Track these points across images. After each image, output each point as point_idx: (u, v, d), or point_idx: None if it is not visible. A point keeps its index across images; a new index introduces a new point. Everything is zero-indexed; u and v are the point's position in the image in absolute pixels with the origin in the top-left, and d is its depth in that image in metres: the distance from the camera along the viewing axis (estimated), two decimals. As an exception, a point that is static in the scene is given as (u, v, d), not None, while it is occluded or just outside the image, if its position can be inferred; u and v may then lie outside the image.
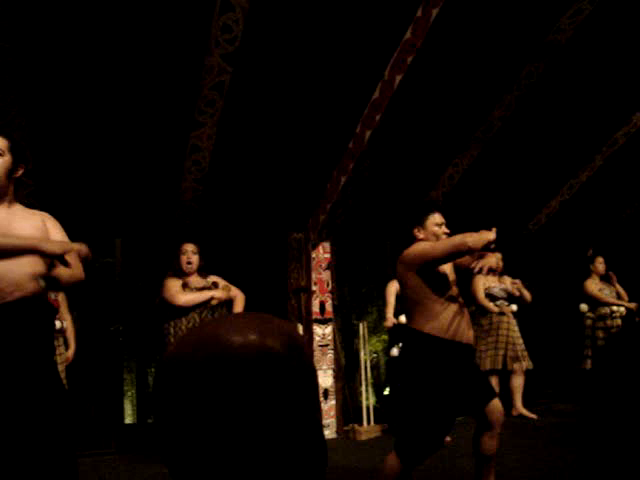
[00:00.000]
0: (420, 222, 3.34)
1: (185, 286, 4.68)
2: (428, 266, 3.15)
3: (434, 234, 3.30)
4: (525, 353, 6.31)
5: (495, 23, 4.97)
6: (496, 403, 3.21)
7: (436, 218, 3.34)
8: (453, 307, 3.18)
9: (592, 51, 5.51)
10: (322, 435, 0.89)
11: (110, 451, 5.55)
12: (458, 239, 3.06)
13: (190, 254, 4.73)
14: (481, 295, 6.20)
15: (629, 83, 6.03)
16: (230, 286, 4.87)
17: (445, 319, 3.14)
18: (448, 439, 5.10)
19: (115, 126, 4.97)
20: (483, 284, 6.24)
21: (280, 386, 0.81)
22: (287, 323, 0.91)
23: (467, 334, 3.21)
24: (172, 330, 4.62)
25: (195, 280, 4.74)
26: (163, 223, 5.85)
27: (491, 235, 3.07)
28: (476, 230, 3.23)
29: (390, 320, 5.78)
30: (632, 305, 6.57)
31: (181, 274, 4.73)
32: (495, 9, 4.83)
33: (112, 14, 4.12)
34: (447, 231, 3.33)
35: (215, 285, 4.79)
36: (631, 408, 0.76)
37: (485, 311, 6.28)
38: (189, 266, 4.72)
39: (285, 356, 0.83)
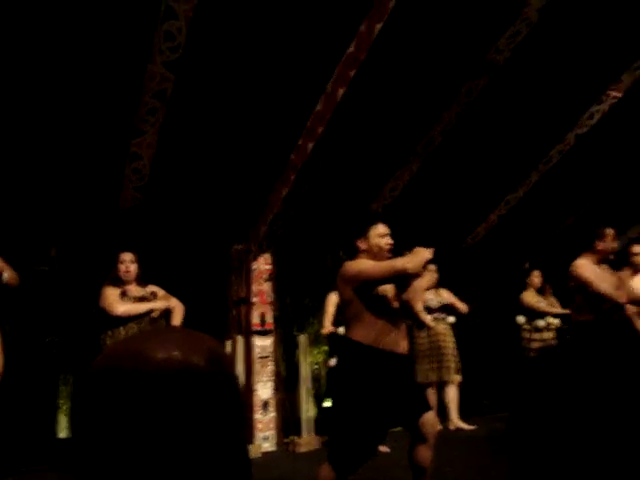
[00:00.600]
0: (363, 233, 3.31)
1: (123, 295, 4.58)
2: (366, 285, 3.16)
3: (377, 245, 3.28)
4: (459, 366, 6.40)
5: (437, 40, 5.06)
6: (430, 416, 3.20)
7: (379, 229, 3.31)
8: (389, 319, 3.20)
9: (529, 71, 5.66)
10: (246, 453, 0.89)
11: (43, 467, 5.37)
12: (399, 264, 3.07)
13: (128, 263, 4.64)
14: (419, 308, 6.24)
15: (563, 103, 6.22)
16: (169, 296, 4.80)
17: (379, 329, 3.14)
18: (386, 449, 5.13)
19: (53, 131, 4.85)
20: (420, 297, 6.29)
21: (202, 403, 0.81)
22: (212, 340, 0.90)
23: (401, 345, 3.23)
24: (109, 340, 4.50)
25: (134, 289, 4.65)
26: (101, 232, 5.73)
27: (428, 254, 3.11)
28: (415, 244, 3.27)
29: (327, 328, 5.77)
30: (567, 311, 6.65)
31: (119, 283, 4.63)
32: (437, 26, 4.93)
33: (53, 16, 4.03)
34: (391, 242, 3.31)
35: (154, 295, 4.71)
36: (558, 419, 0.77)
37: (422, 324, 6.34)
38: (127, 275, 4.63)
39: (208, 373, 0.82)
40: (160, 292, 4.77)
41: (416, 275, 3.14)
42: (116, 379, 0.80)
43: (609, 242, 4.61)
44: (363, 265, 3.21)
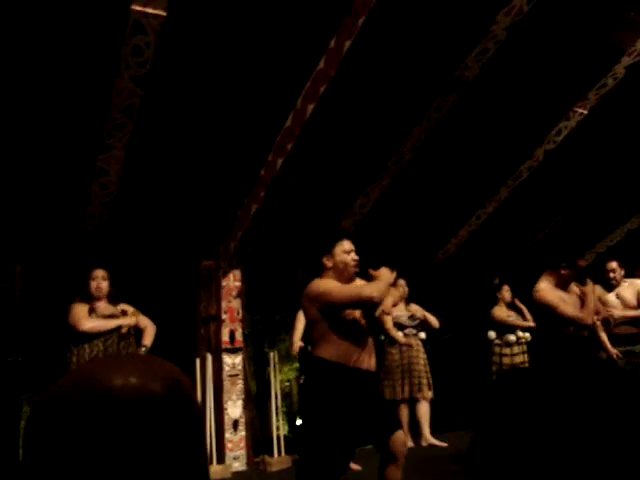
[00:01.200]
0: (328, 250, 3.31)
1: (92, 312, 4.50)
2: (330, 307, 3.15)
3: (343, 262, 3.27)
4: (431, 382, 6.38)
5: (406, 57, 5.09)
6: (400, 435, 3.17)
7: (344, 245, 3.31)
8: (356, 337, 3.18)
9: (497, 88, 5.73)
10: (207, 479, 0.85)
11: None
12: (366, 293, 3.05)
13: (100, 280, 4.57)
14: (389, 325, 6.21)
15: (531, 120, 6.30)
16: (140, 315, 4.72)
17: (345, 347, 3.13)
18: (357, 467, 5.08)
19: (18, 146, 4.77)
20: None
21: (161, 430, 0.78)
22: (172, 366, 0.87)
23: (368, 362, 3.21)
24: (75, 358, 4.41)
25: (104, 307, 4.57)
26: (67, 248, 5.63)
27: (391, 277, 3.11)
28: (385, 260, 3.26)
29: (296, 345, 5.73)
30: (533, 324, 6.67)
31: (90, 300, 4.55)
32: (406, 43, 4.96)
33: (19, 30, 3.97)
34: (356, 258, 3.31)
35: (124, 313, 4.62)
36: (521, 437, 0.76)
37: (394, 340, 6.32)
38: (98, 292, 4.55)
39: (166, 399, 0.80)
40: (131, 310, 4.69)
41: (381, 302, 3.14)
42: (71, 406, 0.76)
43: (575, 273, 4.64)
44: (329, 286, 3.19)
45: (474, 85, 5.52)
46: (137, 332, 4.67)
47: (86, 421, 0.75)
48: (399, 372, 6.28)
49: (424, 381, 6.30)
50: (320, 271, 3.30)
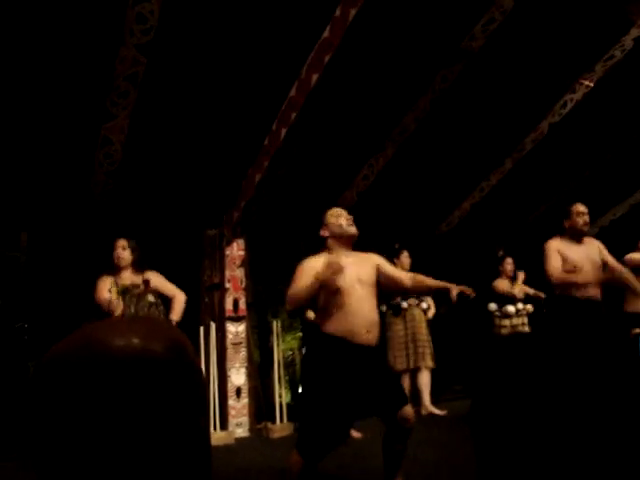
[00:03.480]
0: (322, 223, 3.40)
1: (115, 283, 4.51)
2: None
3: (338, 226, 3.34)
4: (432, 351, 6.44)
5: (412, 27, 5.05)
6: (408, 409, 3.18)
7: (333, 211, 3.40)
8: (356, 308, 3.18)
9: (503, 59, 5.68)
10: (207, 441, 0.88)
11: (13, 456, 5.29)
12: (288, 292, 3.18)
13: (120, 250, 4.59)
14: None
15: (537, 92, 6.26)
16: (167, 283, 4.75)
17: (343, 321, 3.15)
18: (358, 435, 5.16)
19: (22, 115, 4.77)
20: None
21: (162, 390, 0.80)
22: (174, 328, 0.90)
23: (366, 336, 3.18)
24: None
25: (127, 276, 4.58)
26: (72, 217, 5.66)
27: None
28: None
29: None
30: (541, 294, 6.67)
31: (114, 270, 4.59)
32: (412, 13, 4.91)
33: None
34: (349, 217, 3.38)
35: (146, 282, 4.62)
36: (519, 401, 0.78)
37: (397, 311, 6.36)
38: (120, 261, 4.59)
39: (169, 361, 0.82)
40: (155, 278, 4.68)
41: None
42: (73, 367, 0.79)
43: (575, 217, 4.61)
44: (297, 274, 3.25)
45: (480, 56, 5.48)
46: (165, 301, 4.68)
47: (87, 379, 0.77)
48: (403, 343, 6.34)
49: (427, 350, 6.36)
50: (323, 246, 3.36)
